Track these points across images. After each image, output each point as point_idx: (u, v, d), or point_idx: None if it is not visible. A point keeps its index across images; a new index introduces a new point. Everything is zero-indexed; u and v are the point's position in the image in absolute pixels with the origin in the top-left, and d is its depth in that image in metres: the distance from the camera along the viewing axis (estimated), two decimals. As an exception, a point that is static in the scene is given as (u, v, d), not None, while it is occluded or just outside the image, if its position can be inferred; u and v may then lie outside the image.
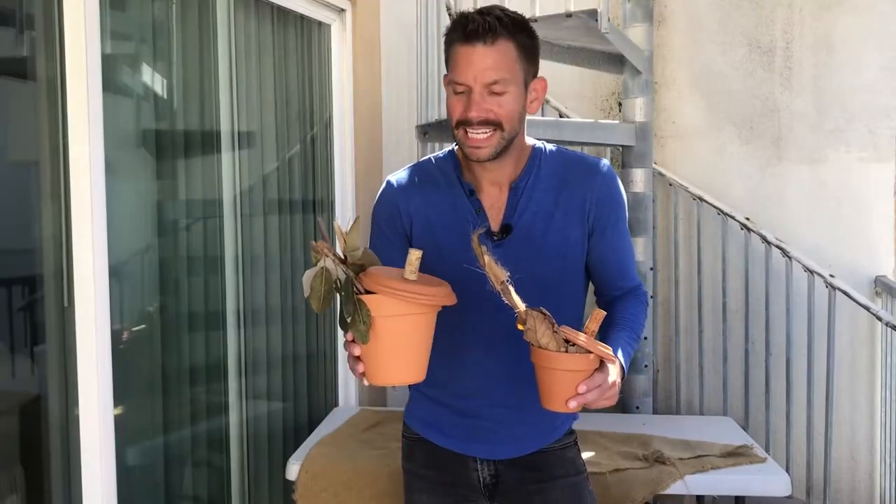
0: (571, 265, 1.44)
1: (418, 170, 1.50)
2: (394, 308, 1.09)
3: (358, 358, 1.17)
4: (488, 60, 1.29)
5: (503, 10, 1.33)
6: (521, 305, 1.17)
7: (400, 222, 1.46)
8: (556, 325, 1.16)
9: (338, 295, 1.14)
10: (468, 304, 1.42)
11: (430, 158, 1.52)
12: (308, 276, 1.11)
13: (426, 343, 1.15)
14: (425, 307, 1.11)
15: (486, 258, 1.15)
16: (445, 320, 1.45)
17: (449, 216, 1.42)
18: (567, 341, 1.15)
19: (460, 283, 1.40)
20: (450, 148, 1.51)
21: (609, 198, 1.42)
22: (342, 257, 1.14)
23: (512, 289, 1.16)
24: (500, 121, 1.32)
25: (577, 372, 1.15)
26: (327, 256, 1.10)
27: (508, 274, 1.16)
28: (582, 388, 1.14)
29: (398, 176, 1.50)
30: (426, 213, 1.44)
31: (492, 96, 1.31)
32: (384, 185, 1.50)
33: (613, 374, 1.19)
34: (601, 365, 1.18)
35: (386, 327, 1.10)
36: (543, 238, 1.40)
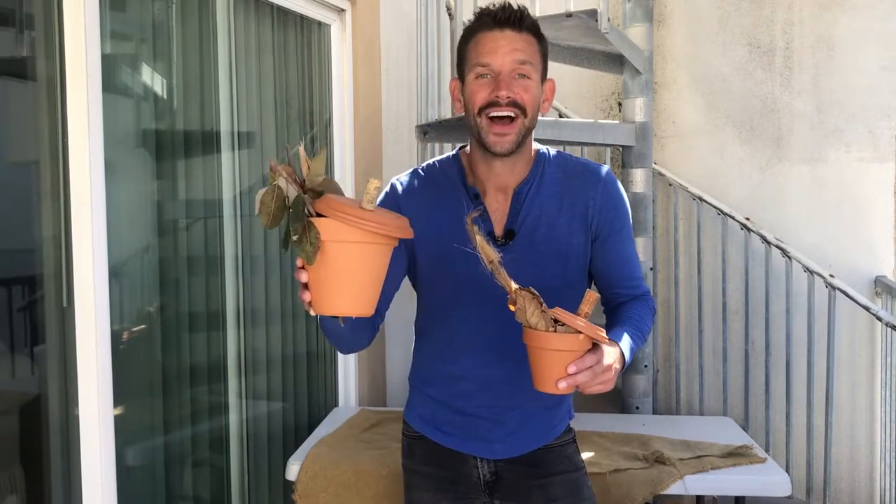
0: (574, 271, 1.44)
1: (422, 173, 1.50)
2: (344, 234, 1.05)
3: (306, 286, 1.12)
4: (518, 44, 1.33)
5: (525, 9, 1.37)
6: (512, 285, 1.16)
7: None
8: (544, 305, 1.15)
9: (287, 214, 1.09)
10: (470, 307, 1.42)
11: (434, 162, 1.52)
12: (260, 192, 1.07)
13: (376, 277, 1.11)
14: (377, 237, 1.07)
15: (479, 238, 1.15)
16: (446, 322, 1.46)
17: (453, 220, 1.41)
18: (556, 321, 1.14)
19: (465, 287, 1.40)
20: (454, 151, 1.51)
21: (612, 204, 1.43)
22: (302, 182, 1.09)
23: (503, 269, 1.16)
24: (525, 106, 1.33)
25: (566, 352, 1.13)
26: (282, 176, 1.07)
27: (500, 255, 1.16)
28: (572, 369, 1.12)
29: (401, 179, 1.50)
30: (430, 218, 1.44)
31: (519, 80, 1.33)
32: (388, 187, 1.50)
33: (609, 357, 1.17)
34: (594, 347, 1.16)
35: (335, 253, 1.06)
36: (546, 244, 1.41)
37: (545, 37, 1.39)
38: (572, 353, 1.14)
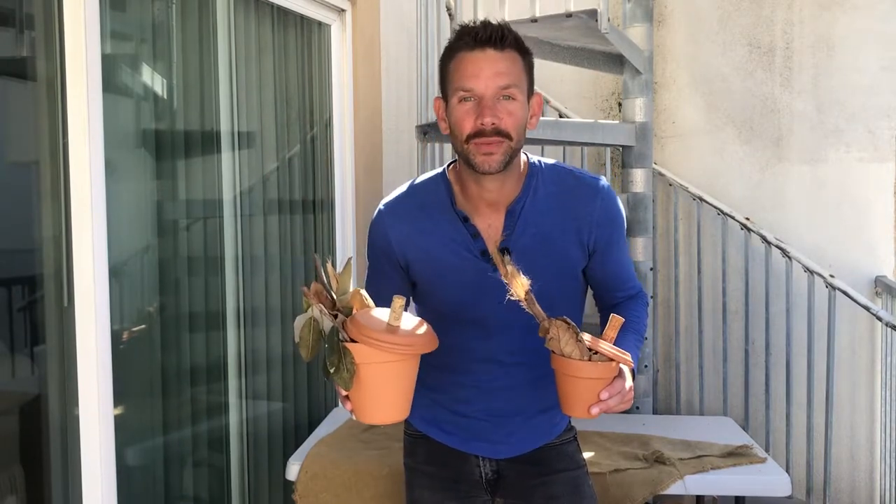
0: (570, 283, 1.44)
1: (410, 196, 1.47)
2: (376, 356, 1.13)
3: (347, 397, 1.21)
4: (500, 65, 1.29)
5: (507, 24, 1.34)
6: (543, 315, 1.18)
7: (393, 255, 1.44)
8: (579, 334, 1.17)
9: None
10: (467, 325, 1.43)
11: (422, 182, 1.48)
12: (298, 323, 1.17)
13: (409, 384, 1.20)
14: (406, 355, 1.16)
15: (510, 268, 1.16)
16: (442, 337, 1.44)
17: (445, 244, 1.41)
18: (590, 349, 1.17)
19: (460, 305, 1.41)
20: (440, 170, 1.48)
21: (610, 219, 1.42)
22: (332, 298, 1.18)
23: (534, 298, 1.17)
24: (509, 132, 1.30)
25: (599, 379, 1.17)
26: (315, 304, 1.16)
27: (530, 282, 1.16)
28: (605, 395, 1.16)
29: (390, 203, 1.47)
30: (421, 243, 1.42)
31: (504, 101, 1.30)
32: (376, 213, 1.48)
33: (630, 378, 1.21)
34: (619, 371, 1.20)
35: (369, 373, 1.15)
36: (542, 259, 1.39)
37: (530, 50, 1.35)
38: (604, 380, 1.17)
